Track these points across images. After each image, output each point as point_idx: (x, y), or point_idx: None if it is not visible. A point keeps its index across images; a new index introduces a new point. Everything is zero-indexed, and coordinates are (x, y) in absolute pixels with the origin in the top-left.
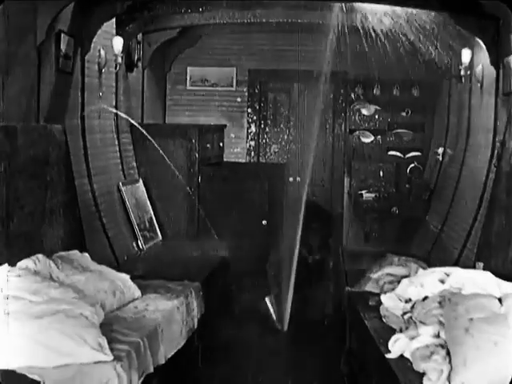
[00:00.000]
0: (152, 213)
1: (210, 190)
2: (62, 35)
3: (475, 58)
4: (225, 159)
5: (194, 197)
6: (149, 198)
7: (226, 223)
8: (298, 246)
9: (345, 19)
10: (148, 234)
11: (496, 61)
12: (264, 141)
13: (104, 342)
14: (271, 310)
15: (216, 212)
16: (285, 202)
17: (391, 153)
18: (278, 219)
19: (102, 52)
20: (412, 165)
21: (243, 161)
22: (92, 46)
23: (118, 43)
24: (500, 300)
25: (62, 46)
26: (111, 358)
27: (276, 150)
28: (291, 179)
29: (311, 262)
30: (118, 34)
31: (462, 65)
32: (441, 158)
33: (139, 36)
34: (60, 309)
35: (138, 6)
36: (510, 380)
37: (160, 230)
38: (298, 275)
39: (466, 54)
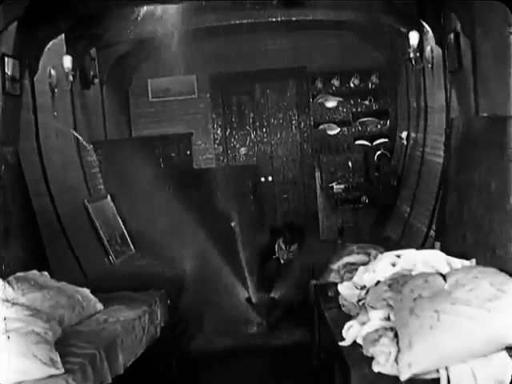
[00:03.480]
0: (123, 227)
1: (179, 197)
2: (6, 58)
3: (424, 39)
4: (195, 166)
5: (164, 207)
6: (119, 212)
7: (197, 230)
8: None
9: (296, 15)
10: (120, 248)
11: (440, 40)
12: (232, 144)
13: (56, 356)
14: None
15: (187, 219)
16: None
17: (358, 142)
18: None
19: (53, 72)
20: (379, 152)
21: (213, 166)
22: (40, 66)
23: (67, 61)
24: (445, 277)
25: (7, 70)
26: (62, 371)
27: (245, 152)
28: (263, 179)
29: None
30: (68, 52)
31: (410, 47)
32: (405, 143)
33: (93, 52)
34: (11, 327)
35: (84, 22)
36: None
37: (133, 242)
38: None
39: (413, 36)
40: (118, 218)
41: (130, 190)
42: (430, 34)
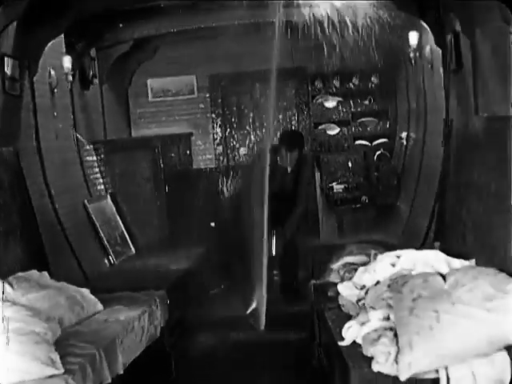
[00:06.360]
0: (123, 227)
1: (178, 198)
2: (6, 58)
3: (423, 39)
4: (195, 167)
5: (162, 207)
6: (119, 212)
7: (195, 230)
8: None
9: (294, 14)
10: (120, 248)
11: (440, 40)
12: (231, 144)
13: (56, 356)
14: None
15: (185, 220)
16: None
17: (358, 142)
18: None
19: (53, 72)
20: (378, 152)
21: (213, 166)
22: (40, 66)
23: (67, 62)
24: (445, 277)
25: (7, 69)
26: (62, 371)
27: (244, 152)
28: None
29: None
30: (67, 52)
31: (410, 47)
32: (405, 143)
33: (93, 52)
34: (11, 328)
35: (84, 22)
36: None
37: (133, 243)
38: None
39: (413, 37)
40: (118, 219)
41: (130, 189)
42: (430, 33)
